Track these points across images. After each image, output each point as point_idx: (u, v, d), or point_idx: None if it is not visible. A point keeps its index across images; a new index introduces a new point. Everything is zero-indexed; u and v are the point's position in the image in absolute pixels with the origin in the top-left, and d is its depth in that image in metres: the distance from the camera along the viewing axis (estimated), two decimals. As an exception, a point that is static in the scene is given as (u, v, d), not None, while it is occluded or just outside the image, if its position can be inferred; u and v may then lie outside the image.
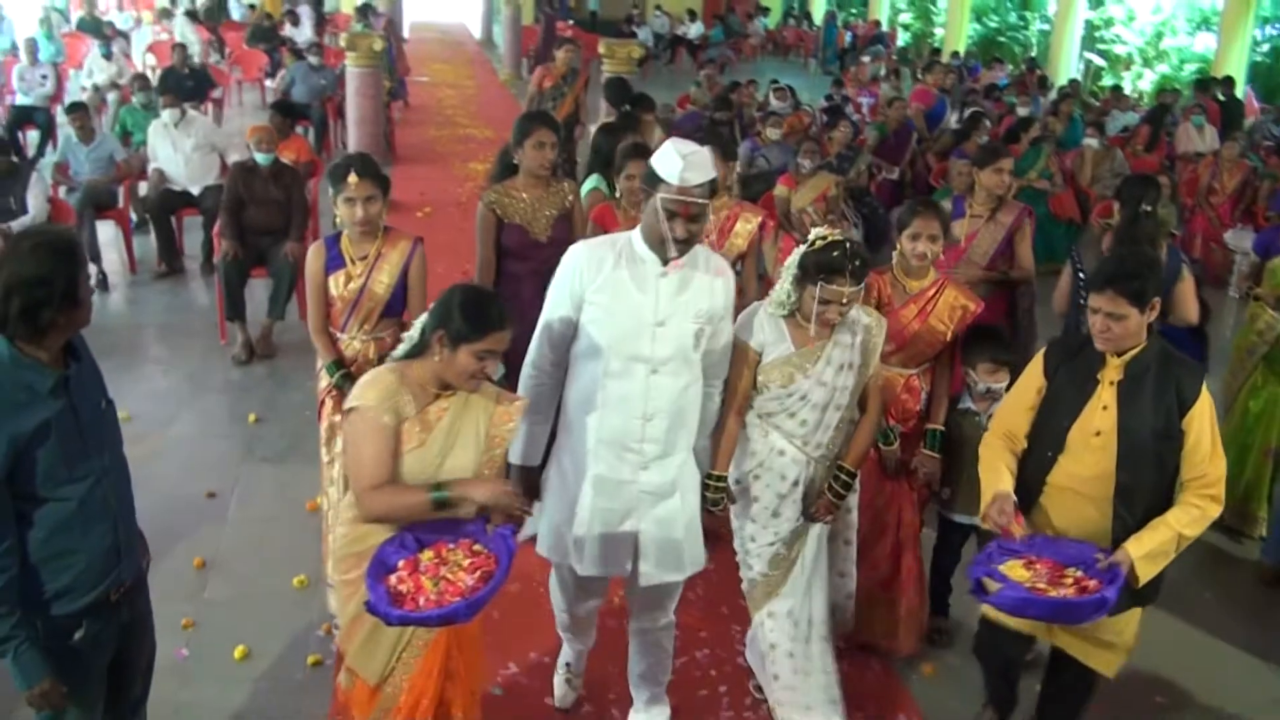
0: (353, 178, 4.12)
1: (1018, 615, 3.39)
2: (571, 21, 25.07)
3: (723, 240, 5.06)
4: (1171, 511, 3.34)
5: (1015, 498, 3.43)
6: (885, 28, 27.15)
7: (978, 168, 5.72)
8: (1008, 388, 4.02)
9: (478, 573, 2.89)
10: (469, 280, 4.14)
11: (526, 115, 5.24)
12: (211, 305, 7.84)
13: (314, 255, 4.30)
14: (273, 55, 16.22)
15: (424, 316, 3.10)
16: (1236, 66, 16.15)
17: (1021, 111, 12.97)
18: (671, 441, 3.47)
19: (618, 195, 5.24)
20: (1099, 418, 3.39)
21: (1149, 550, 3.27)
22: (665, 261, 3.33)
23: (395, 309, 4.34)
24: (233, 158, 8.46)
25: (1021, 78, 17.84)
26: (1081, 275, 5.23)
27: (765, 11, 30.35)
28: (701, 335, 3.43)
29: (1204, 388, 3.37)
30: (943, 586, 4.60)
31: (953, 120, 13.12)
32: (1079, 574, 3.27)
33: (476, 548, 2.99)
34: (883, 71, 18.22)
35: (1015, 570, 3.29)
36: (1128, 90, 17.30)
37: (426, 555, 2.94)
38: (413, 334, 3.11)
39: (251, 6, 21.24)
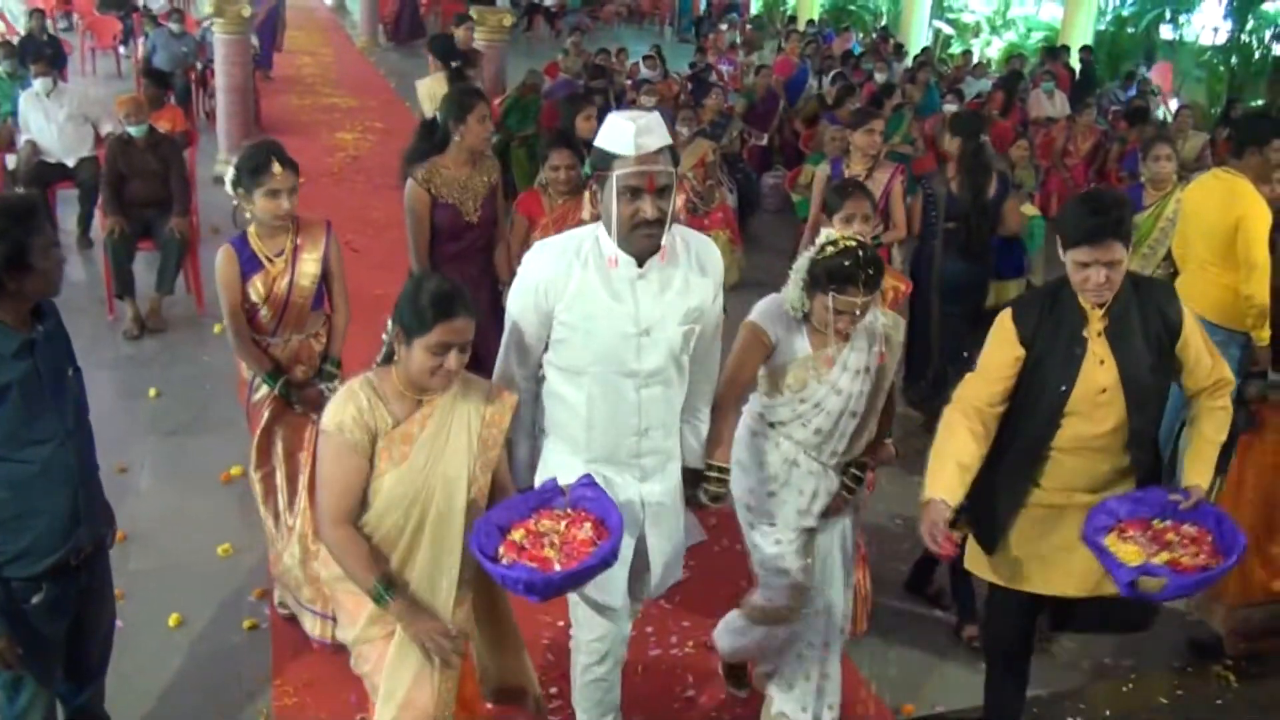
0: (277, 168, 3.79)
1: (1182, 597, 3.28)
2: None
3: None
4: (1204, 425, 3.32)
5: (950, 510, 3.23)
6: (739, -4, 27.49)
7: (851, 130, 6.20)
8: None
9: (586, 525, 2.82)
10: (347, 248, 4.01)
11: (464, 90, 5.20)
12: (92, 280, 7.67)
13: (226, 262, 3.89)
14: (125, 22, 15.70)
15: None
16: (1082, 35, 16.94)
17: (879, 78, 13.41)
18: (669, 449, 3.22)
19: (543, 182, 5.09)
20: (1100, 375, 3.25)
21: (1207, 473, 3.26)
22: (641, 261, 2.95)
23: (319, 302, 4.08)
24: (105, 128, 8.24)
25: (875, 46, 18.36)
26: (931, 200, 6.14)
27: (621, -22, 30.53)
28: (691, 335, 3.08)
29: (1180, 302, 3.35)
30: (966, 588, 4.43)
31: (814, 86, 13.49)
32: (1169, 524, 3.18)
33: (557, 512, 2.88)
34: (739, 39, 18.56)
35: (1117, 546, 3.11)
36: (976, 58, 17.94)
37: (517, 534, 2.81)
38: (386, 335, 2.90)
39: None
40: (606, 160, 2.86)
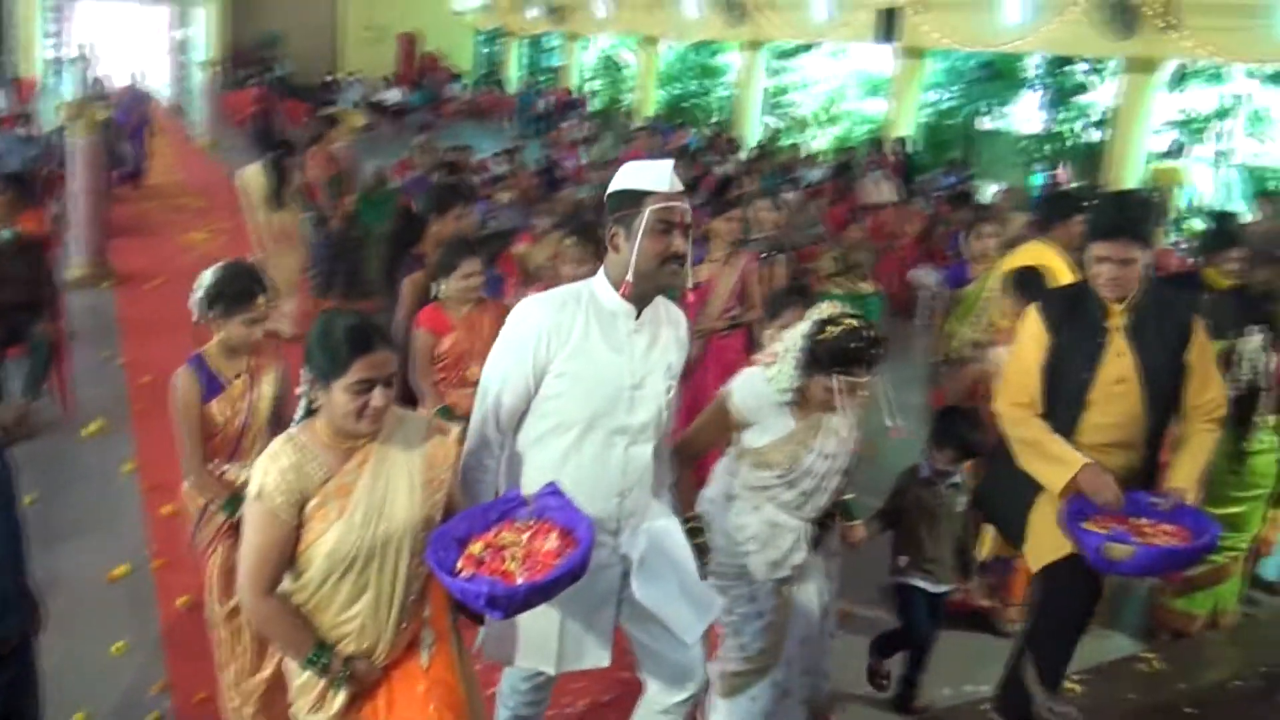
0: (261, 299, 3.77)
1: (1150, 572, 3.44)
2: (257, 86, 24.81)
3: None
4: (1194, 441, 3.48)
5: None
6: (577, 94, 28.30)
7: (713, 217, 6.57)
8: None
9: (551, 536, 2.70)
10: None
11: (448, 187, 5.80)
12: (-49, 389, 7.53)
13: (187, 384, 3.72)
14: (-40, 126, 15.39)
15: None
16: (907, 126, 18.06)
17: (719, 171, 14.06)
18: (645, 508, 3.16)
19: (441, 295, 4.92)
20: (1118, 365, 3.42)
21: (1193, 482, 3.42)
22: (639, 311, 3.02)
23: (274, 425, 3.88)
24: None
25: (713, 140, 19.16)
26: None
27: (460, 77, 31.20)
28: (670, 391, 3.11)
29: (1194, 314, 3.52)
30: (897, 649, 4.53)
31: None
32: (1146, 522, 3.32)
33: (519, 524, 2.76)
34: (582, 135, 19.18)
35: (1092, 528, 3.26)
36: (806, 150, 18.89)
37: (476, 548, 2.68)
38: (303, 388, 2.76)
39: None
40: (636, 198, 2.90)
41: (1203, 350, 3.51)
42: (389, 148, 18.00)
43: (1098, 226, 3.45)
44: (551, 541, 2.69)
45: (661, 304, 3.12)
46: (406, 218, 5.42)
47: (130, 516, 5.95)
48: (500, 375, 3.03)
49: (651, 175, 2.92)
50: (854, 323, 3.27)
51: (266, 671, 3.79)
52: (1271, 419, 4.93)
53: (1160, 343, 3.45)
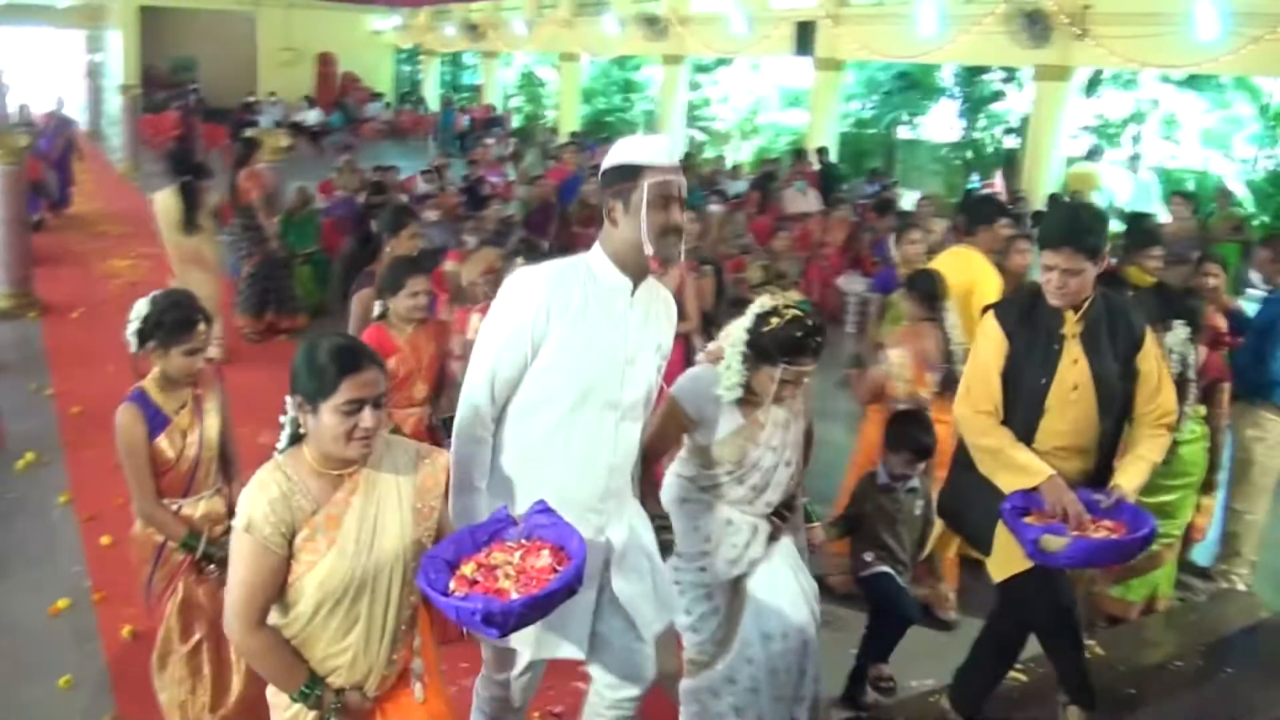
0: (202, 327, 3.60)
1: (1085, 565, 3.49)
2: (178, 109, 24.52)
3: None
4: (1143, 445, 3.55)
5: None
6: (499, 111, 28.31)
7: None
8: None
9: (543, 553, 2.64)
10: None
11: (399, 208, 5.72)
12: None
13: (131, 421, 3.55)
14: None
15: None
16: (827, 137, 18.34)
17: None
18: (628, 490, 3.18)
19: (384, 315, 4.86)
20: (1073, 372, 3.48)
21: (1137, 484, 3.49)
22: (635, 286, 3.00)
23: (221, 454, 3.82)
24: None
25: (637, 153, 19.27)
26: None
27: (380, 97, 31.07)
28: (659, 371, 3.13)
29: (1143, 318, 3.62)
30: (892, 640, 4.52)
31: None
32: (1088, 518, 3.37)
33: (510, 544, 2.70)
34: (508, 151, 19.20)
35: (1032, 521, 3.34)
36: (728, 162, 19.08)
37: (468, 569, 2.61)
38: (288, 414, 2.63)
39: None
40: (634, 171, 2.89)
41: (1155, 358, 3.59)
42: (309, 168, 17.84)
43: (1045, 236, 3.51)
44: (544, 558, 2.64)
45: (653, 282, 3.11)
46: (364, 238, 5.43)
47: (68, 549, 5.82)
48: (497, 346, 2.99)
49: (648, 149, 2.93)
50: (796, 312, 3.32)
51: (229, 705, 3.79)
52: (1201, 409, 5.11)
53: (1112, 349, 3.52)
